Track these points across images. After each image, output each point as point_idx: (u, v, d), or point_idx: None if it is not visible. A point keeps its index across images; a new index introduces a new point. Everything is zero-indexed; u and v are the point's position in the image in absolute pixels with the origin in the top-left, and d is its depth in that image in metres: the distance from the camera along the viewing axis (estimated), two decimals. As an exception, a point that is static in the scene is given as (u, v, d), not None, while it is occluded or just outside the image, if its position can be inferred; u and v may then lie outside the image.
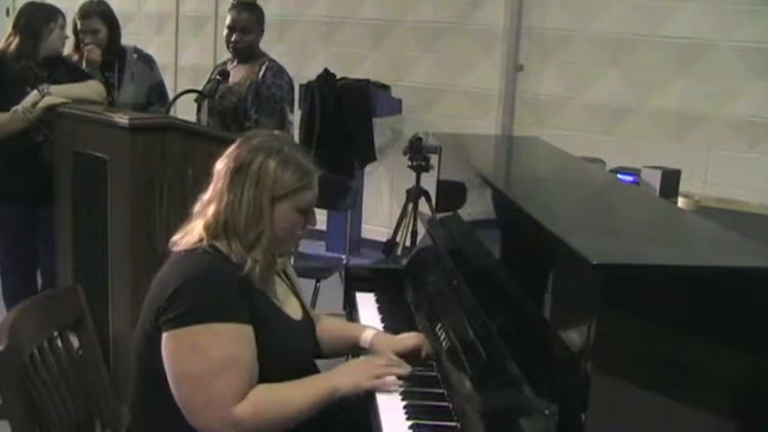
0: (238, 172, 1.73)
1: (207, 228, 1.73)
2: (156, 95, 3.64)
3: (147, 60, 3.67)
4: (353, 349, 2.07)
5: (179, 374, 1.65)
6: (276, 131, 2.17)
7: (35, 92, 3.11)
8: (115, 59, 3.54)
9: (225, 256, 1.72)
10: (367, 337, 2.01)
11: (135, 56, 3.59)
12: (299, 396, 1.72)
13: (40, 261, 3.40)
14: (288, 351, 1.79)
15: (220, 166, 1.78)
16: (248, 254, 1.72)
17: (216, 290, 1.67)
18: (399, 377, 1.82)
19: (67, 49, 3.56)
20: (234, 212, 1.72)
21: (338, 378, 1.80)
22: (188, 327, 1.63)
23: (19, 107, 3.09)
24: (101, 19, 3.51)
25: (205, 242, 1.72)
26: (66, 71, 3.31)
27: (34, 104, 3.10)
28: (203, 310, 1.64)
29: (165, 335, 1.65)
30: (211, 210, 1.74)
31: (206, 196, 1.78)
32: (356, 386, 1.78)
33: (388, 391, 1.79)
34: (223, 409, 1.63)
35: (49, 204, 3.21)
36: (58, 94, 3.13)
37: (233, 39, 3.47)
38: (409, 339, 2.02)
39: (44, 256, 3.35)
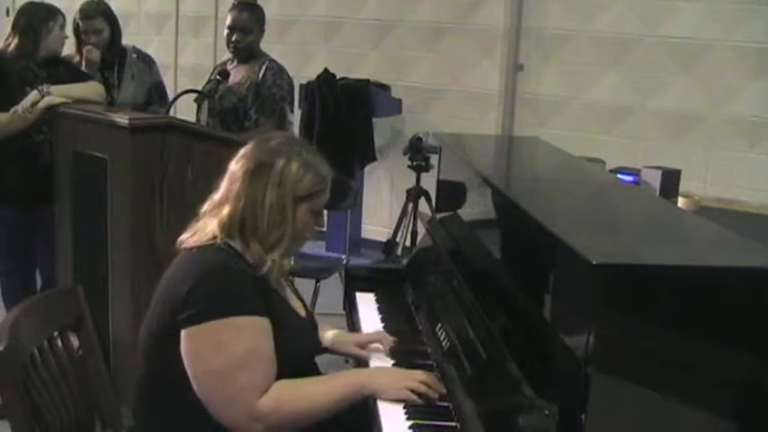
0: (259, 173, 1.73)
1: (222, 226, 1.73)
2: (156, 95, 3.63)
3: (146, 60, 3.67)
4: (323, 350, 2.07)
5: (202, 371, 1.65)
6: (289, 134, 2.18)
7: (34, 92, 3.11)
8: (115, 59, 3.54)
9: (239, 254, 1.72)
10: (328, 336, 2.04)
11: (134, 56, 3.59)
12: (324, 391, 1.73)
13: (40, 261, 3.40)
14: (299, 348, 1.80)
15: (236, 166, 1.77)
16: (267, 255, 1.72)
17: (234, 284, 1.68)
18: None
19: (69, 49, 3.56)
20: (256, 213, 1.72)
21: (369, 378, 1.80)
22: (208, 322, 1.63)
23: (18, 107, 3.09)
24: (104, 18, 3.51)
25: (219, 240, 1.72)
26: (66, 71, 3.31)
27: (34, 104, 3.10)
28: (223, 304, 1.64)
29: (184, 332, 1.65)
30: (227, 210, 1.74)
31: (218, 196, 1.78)
32: (385, 392, 1.75)
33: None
34: (247, 404, 1.64)
35: (49, 204, 3.21)
36: (57, 94, 3.13)
37: (233, 39, 3.47)
38: (371, 334, 2.07)
39: (43, 256, 3.35)
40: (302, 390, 1.72)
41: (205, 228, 1.76)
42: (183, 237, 1.79)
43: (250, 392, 1.64)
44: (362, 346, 2.02)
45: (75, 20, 3.53)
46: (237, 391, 1.64)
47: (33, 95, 3.11)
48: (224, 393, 1.64)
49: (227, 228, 1.73)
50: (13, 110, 3.09)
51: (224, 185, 1.78)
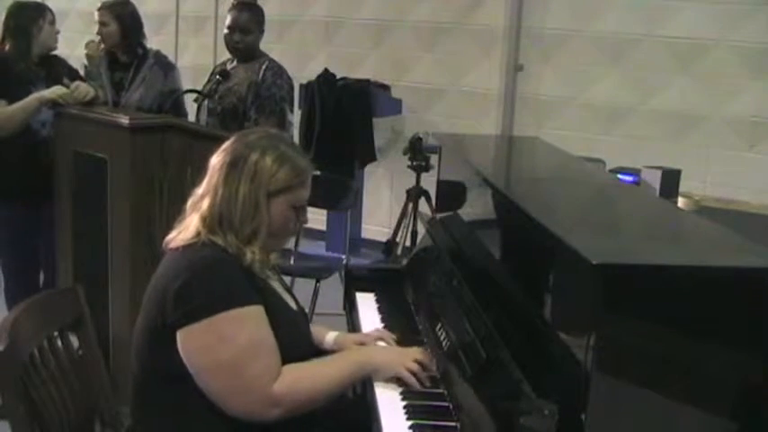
0: (234, 166, 1.75)
1: (203, 220, 1.74)
2: (170, 103, 3.52)
3: (164, 66, 3.56)
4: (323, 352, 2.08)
5: (211, 366, 1.65)
6: (272, 129, 2.19)
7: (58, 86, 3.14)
8: (133, 61, 3.52)
9: (223, 249, 1.73)
10: (330, 339, 2.04)
11: (152, 60, 3.55)
12: (332, 370, 1.77)
13: (42, 259, 3.40)
14: (292, 338, 1.80)
15: (215, 160, 1.79)
16: (246, 248, 1.73)
17: (226, 277, 1.69)
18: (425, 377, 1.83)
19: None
20: (230, 206, 1.73)
21: (373, 353, 1.88)
22: (209, 318, 1.63)
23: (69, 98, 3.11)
24: (110, 13, 3.50)
25: (203, 236, 1.73)
26: (62, 70, 3.32)
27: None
28: (220, 298, 1.65)
29: (182, 331, 1.65)
30: (206, 203, 1.75)
31: (200, 190, 1.80)
32: (389, 367, 1.81)
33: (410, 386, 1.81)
34: (263, 391, 1.65)
35: (53, 202, 3.21)
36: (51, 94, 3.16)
37: (233, 39, 3.47)
38: (372, 333, 2.09)
39: (46, 255, 3.35)
40: (312, 371, 1.75)
41: (188, 226, 1.77)
42: (170, 236, 1.79)
43: (264, 379, 1.66)
44: (364, 345, 2.02)
45: None
46: (251, 380, 1.65)
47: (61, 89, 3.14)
48: (237, 385, 1.65)
49: (208, 221, 1.74)
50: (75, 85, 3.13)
51: (205, 180, 1.80)
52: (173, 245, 1.76)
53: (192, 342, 1.65)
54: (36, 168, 3.20)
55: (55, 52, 3.40)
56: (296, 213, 1.82)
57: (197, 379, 1.66)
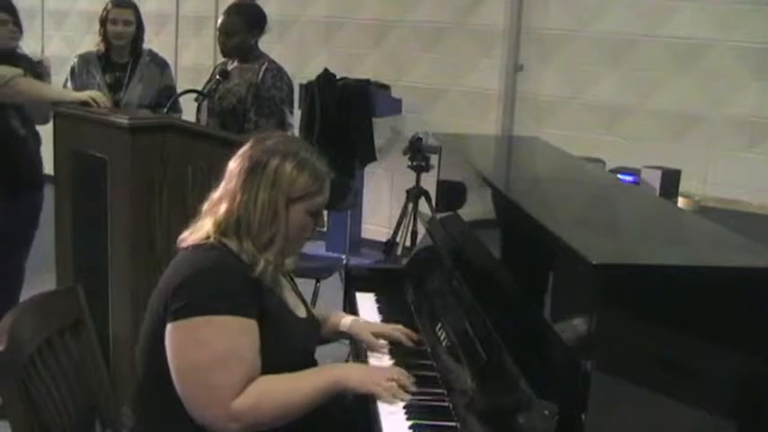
0: (253, 172, 1.74)
1: (217, 225, 1.73)
2: (166, 99, 3.51)
3: (159, 63, 3.63)
4: (336, 335, 2.11)
5: (181, 366, 1.65)
6: (289, 134, 2.19)
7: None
8: (130, 60, 3.54)
9: (234, 254, 1.72)
10: (346, 322, 2.09)
11: (148, 58, 3.58)
12: (300, 387, 1.72)
13: (17, 247, 3.42)
14: (295, 349, 1.80)
15: (234, 165, 1.78)
16: (261, 254, 1.72)
17: (222, 283, 1.68)
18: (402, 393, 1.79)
19: (92, 39, 3.57)
20: (248, 212, 1.72)
21: (346, 371, 1.82)
22: (192, 318, 1.63)
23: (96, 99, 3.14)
24: (134, 13, 3.53)
25: (212, 239, 1.72)
26: (25, 66, 3.30)
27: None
28: (208, 301, 1.64)
29: (169, 326, 1.65)
30: (223, 208, 1.74)
31: (216, 194, 1.79)
32: (362, 384, 1.76)
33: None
34: (221, 404, 1.63)
35: (32, 191, 3.32)
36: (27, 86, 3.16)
37: (219, 41, 3.54)
38: (386, 325, 2.11)
39: (20, 243, 3.39)
40: (279, 387, 1.70)
41: (202, 227, 1.76)
42: (183, 235, 1.79)
43: (225, 392, 1.63)
44: (378, 336, 2.06)
45: (105, 8, 3.51)
46: (212, 390, 1.62)
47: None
48: (200, 391, 1.64)
49: (223, 227, 1.73)
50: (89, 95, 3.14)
51: (222, 184, 1.79)
52: (184, 244, 1.77)
53: (172, 339, 1.65)
54: (19, 159, 3.25)
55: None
56: (313, 219, 1.81)
57: (172, 376, 1.66)
